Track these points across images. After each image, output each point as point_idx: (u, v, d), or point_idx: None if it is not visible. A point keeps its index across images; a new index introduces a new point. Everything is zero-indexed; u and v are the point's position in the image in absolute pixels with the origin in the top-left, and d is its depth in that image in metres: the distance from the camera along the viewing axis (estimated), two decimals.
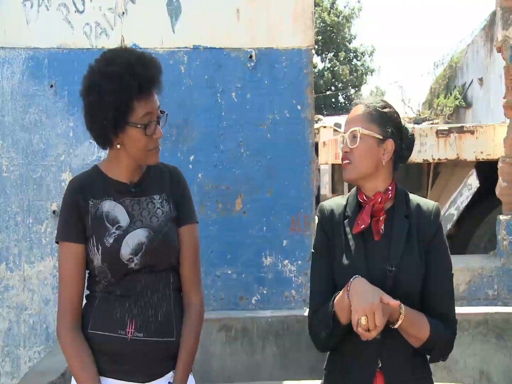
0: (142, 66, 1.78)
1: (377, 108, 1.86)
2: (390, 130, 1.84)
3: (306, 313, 3.37)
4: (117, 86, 1.73)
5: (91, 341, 1.77)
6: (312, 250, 1.92)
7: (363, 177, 1.84)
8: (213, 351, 3.29)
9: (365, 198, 1.85)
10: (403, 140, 1.89)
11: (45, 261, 3.54)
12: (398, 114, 1.90)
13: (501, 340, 3.29)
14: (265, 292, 3.58)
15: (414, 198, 1.90)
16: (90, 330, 1.77)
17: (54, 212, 3.53)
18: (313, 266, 1.91)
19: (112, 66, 1.77)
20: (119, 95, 1.73)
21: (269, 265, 3.58)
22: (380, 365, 1.79)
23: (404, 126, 1.90)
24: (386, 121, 1.85)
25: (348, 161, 1.84)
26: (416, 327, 1.75)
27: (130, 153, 1.80)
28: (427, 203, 1.88)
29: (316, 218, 3.64)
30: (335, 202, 1.93)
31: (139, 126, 1.75)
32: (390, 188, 1.85)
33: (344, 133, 1.87)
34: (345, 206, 1.89)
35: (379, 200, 1.82)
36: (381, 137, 1.83)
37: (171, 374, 1.82)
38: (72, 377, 1.82)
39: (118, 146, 1.79)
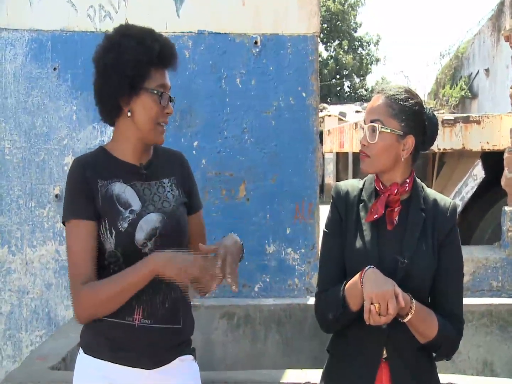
0: (164, 39, 1.78)
1: (399, 101, 1.77)
2: (411, 125, 1.77)
3: (309, 302, 3.38)
4: (138, 46, 1.71)
5: (97, 327, 1.75)
6: (324, 229, 1.89)
7: (380, 171, 1.81)
8: (215, 338, 3.29)
9: (381, 187, 1.81)
10: (426, 134, 1.83)
11: (47, 245, 3.52)
12: (422, 105, 1.80)
13: (504, 332, 3.27)
14: (268, 280, 3.57)
15: (431, 192, 1.86)
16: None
17: (56, 196, 3.51)
18: (323, 245, 1.89)
19: (133, 29, 1.77)
20: (139, 55, 1.70)
21: (272, 253, 3.56)
22: (385, 355, 1.77)
23: (428, 117, 1.82)
24: (408, 116, 1.77)
25: (366, 154, 1.80)
26: (425, 324, 1.73)
27: (139, 124, 1.75)
28: (444, 199, 1.85)
29: (320, 207, 3.63)
30: (351, 184, 1.89)
31: (155, 92, 1.73)
32: (407, 180, 1.81)
33: (364, 123, 1.81)
34: (361, 190, 1.86)
35: (395, 191, 1.78)
36: (401, 133, 1.77)
37: (177, 360, 1.80)
38: (76, 362, 1.80)
39: (129, 113, 1.74)
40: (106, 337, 1.74)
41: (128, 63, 1.70)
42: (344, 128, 7.46)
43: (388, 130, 1.76)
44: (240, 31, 3.57)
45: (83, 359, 1.78)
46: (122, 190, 1.75)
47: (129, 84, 1.71)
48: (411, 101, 1.78)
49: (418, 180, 1.87)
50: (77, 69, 3.52)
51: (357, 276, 1.71)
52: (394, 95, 1.78)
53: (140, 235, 1.72)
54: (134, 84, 1.71)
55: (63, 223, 1.76)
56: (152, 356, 1.75)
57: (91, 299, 1.68)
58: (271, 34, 3.57)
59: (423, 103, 1.84)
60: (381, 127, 1.76)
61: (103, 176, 1.75)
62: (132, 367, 1.73)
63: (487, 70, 12.16)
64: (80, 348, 1.81)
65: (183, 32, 3.55)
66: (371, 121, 1.78)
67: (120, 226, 1.71)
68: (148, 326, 1.73)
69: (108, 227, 1.72)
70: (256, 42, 3.57)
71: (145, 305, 1.73)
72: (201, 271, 1.61)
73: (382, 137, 1.76)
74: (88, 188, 1.73)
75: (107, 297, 1.68)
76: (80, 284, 1.68)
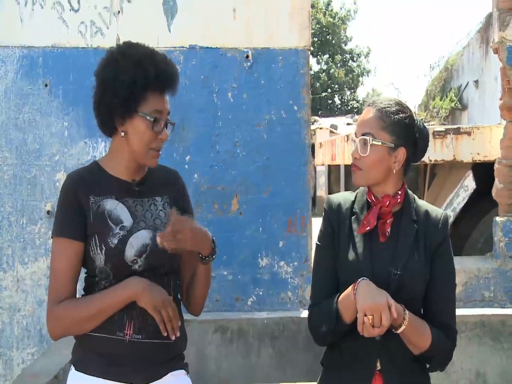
0: (164, 62, 1.76)
1: (389, 114, 1.79)
2: (402, 138, 1.79)
3: (302, 315, 3.37)
4: (135, 68, 1.70)
5: (88, 343, 1.74)
6: (317, 242, 1.90)
7: (372, 184, 1.82)
8: (209, 352, 3.27)
9: (373, 199, 1.82)
10: (417, 146, 1.84)
11: (39, 262, 3.50)
12: (412, 118, 1.82)
13: (497, 342, 3.27)
14: (261, 293, 3.56)
15: (422, 204, 1.88)
16: (87, 332, 1.73)
17: (48, 212, 3.49)
18: (316, 257, 1.90)
19: (134, 49, 1.76)
20: (135, 77, 1.69)
21: (265, 266, 3.56)
22: (379, 367, 1.78)
23: (419, 130, 1.83)
24: (399, 128, 1.78)
25: (357, 167, 1.81)
26: (418, 335, 1.74)
27: (132, 146, 1.75)
28: (436, 211, 1.86)
29: (312, 219, 3.64)
30: (343, 197, 1.90)
31: (148, 118, 1.72)
32: (399, 192, 1.83)
33: (356, 136, 1.82)
34: (353, 202, 1.87)
35: (387, 203, 1.80)
36: (392, 146, 1.78)
37: (169, 375, 1.79)
38: (68, 379, 1.79)
39: (122, 134, 1.74)
40: (97, 353, 1.73)
41: (122, 84, 1.69)
42: (335, 140, 7.49)
43: (380, 143, 1.77)
44: (232, 45, 3.59)
45: (74, 375, 1.77)
46: (114, 206, 1.75)
47: (123, 106, 1.70)
48: (402, 113, 1.80)
49: (410, 192, 1.88)
50: (68, 85, 3.52)
51: (350, 288, 1.72)
52: (385, 108, 1.80)
53: (130, 252, 1.72)
54: (128, 107, 1.71)
55: (52, 237, 1.77)
56: (144, 371, 1.74)
57: (65, 317, 1.70)
58: (263, 48, 3.60)
59: (414, 115, 1.86)
60: (372, 140, 1.77)
61: (95, 192, 1.75)
62: (124, 382, 1.73)
63: (476, 82, 12.28)
64: (72, 365, 1.80)
65: (175, 47, 3.56)
66: (363, 134, 1.79)
67: (110, 242, 1.71)
68: (139, 341, 1.73)
69: (98, 243, 1.72)
70: (247, 56, 3.59)
71: (136, 320, 1.73)
72: (173, 314, 1.71)
73: (373, 150, 1.77)
74: (79, 206, 1.73)
75: (81, 318, 1.70)
76: (57, 302, 1.70)
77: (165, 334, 1.71)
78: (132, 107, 1.71)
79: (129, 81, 1.69)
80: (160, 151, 1.80)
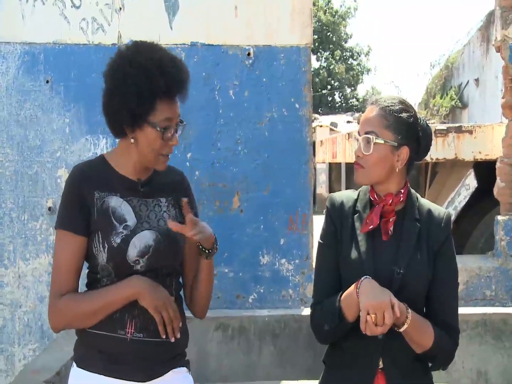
0: (174, 67, 1.71)
1: (393, 113, 1.78)
2: (406, 136, 1.78)
3: (303, 313, 3.37)
4: (143, 78, 1.65)
5: (90, 340, 1.74)
6: (319, 240, 1.90)
7: (375, 182, 1.82)
8: (210, 350, 3.27)
9: (376, 197, 1.82)
10: (420, 144, 1.84)
11: (40, 258, 3.50)
12: (416, 117, 1.82)
13: (498, 341, 3.28)
14: (262, 291, 3.56)
15: (425, 202, 1.88)
16: (88, 329, 1.73)
17: (49, 209, 3.49)
18: (319, 256, 1.90)
19: (142, 57, 1.69)
20: (143, 86, 1.65)
21: (266, 263, 3.56)
22: (381, 365, 1.78)
23: (422, 128, 1.83)
24: (402, 127, 1.78)
25: (360, 165, 1.80)
26: (421, 334, 1.74)
27: (141, 152, 1.73)
28: (438, 209, 1.86)
29: (314, 217, 3.64)
30: (346, 195, 1.90)
31: (158, 129, 1.69)
32: (402, 191, 1.82)
33: (359, 134, 1.82)
34: (356, 200, 1.87)
35: (390, 202, 1.79)
36: (395, 144, 1.78)
37: (171, 373, 1.79)
38: (70, 375, 1.79)
39: (132, 140, 1.72)
40: (99, 350, 1.73)
41: (130, 96, 1.65)
42: (337, 138, 7.48)
43: (383, 142, 1.77)
44: (233, 42, 3.58)
45: (76, 372, 1.77)
46: (118, 204, 1.75)
47: (132, 117, 1.68)
48: (405, 112, 1.80)
49: (413, 191, 1.88)
50: (69, 82, 3.52)
51: (352, 286, 1.72)
52: (388, 106, 1.79)
53: (132, 252, 1.71)
54: (137, 118, 1.68)
55: (55, 228, 1.76)
56: (146, 369, 1.74)
57: (67, 311, 1.70)
58: (264, 46, 3.59)
59: (417, 114, 1.86)
60: (375, 138, 1.77)
61: (100, 188, 1.74)
62: (126, 380, 1.73)
63: (476, 80, 12.28)
64: (73, 362, 1.80)
65: (176, 44, 3.55)
66: (366, 133, 1.79)
67: (112, 241, 1.70)
68: (141, 339, 1.73)
69: (101, 241, 1.71)
70: (249, 54, 3.58)
71: (137, 319, 1.73)
72: (174, 315, 1.71)
73: (376, 148, 1.77)
74: (83, 201, 1.72)
75: (83, 313, 1.70)
76: (59, 295, 1.70)
77: (164, 337, 1.71)
78: (141, 118, 1.68)
79: (136, 92, 1.65)
80: (169, 156, 1.78)
